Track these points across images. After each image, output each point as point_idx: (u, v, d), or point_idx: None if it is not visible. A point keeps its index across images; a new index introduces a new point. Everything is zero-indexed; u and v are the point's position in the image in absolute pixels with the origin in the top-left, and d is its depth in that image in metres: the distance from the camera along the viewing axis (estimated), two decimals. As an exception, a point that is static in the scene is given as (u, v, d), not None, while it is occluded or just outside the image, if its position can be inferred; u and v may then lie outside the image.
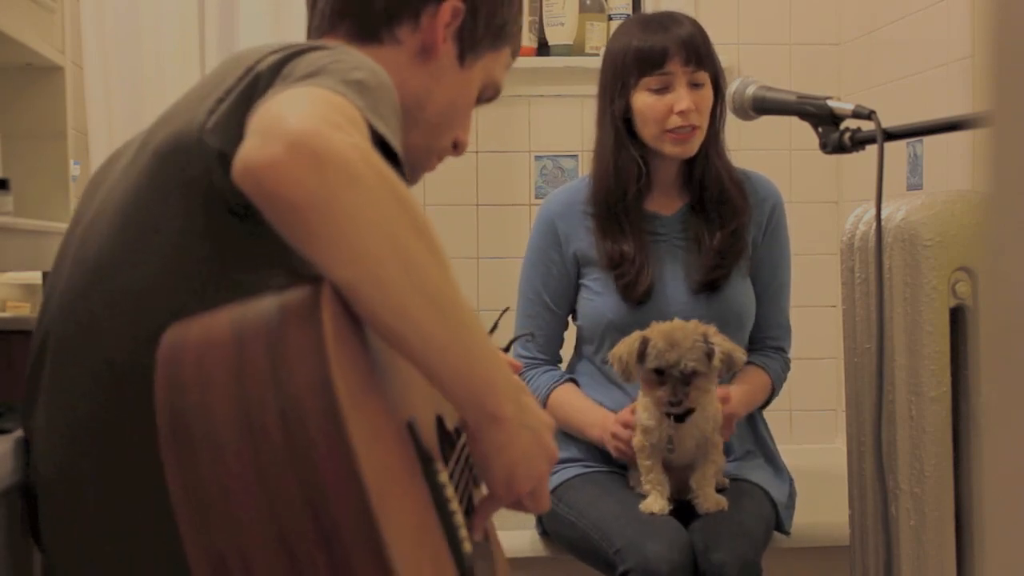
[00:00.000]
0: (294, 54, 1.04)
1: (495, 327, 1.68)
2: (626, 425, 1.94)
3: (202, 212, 1.03)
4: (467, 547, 0.95)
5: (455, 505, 0.95)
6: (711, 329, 1.84)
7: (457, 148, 1.32)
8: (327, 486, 0.75)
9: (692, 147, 2.02)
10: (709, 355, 1.81)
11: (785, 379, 2.15)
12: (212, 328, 0.82)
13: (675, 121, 1.99)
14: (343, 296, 0.84)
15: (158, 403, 0.79)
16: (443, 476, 0.95)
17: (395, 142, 0.97)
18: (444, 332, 0.88)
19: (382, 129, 0.95)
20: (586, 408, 2.06)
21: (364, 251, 0.83)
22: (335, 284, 0.84)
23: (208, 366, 0.79)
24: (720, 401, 1.91)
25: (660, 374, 1.82)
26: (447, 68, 1.25)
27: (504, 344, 1.62)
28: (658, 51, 1.99)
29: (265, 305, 0.82)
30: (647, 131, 2.02)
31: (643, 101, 2.01)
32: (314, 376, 0.77)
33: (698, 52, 2.00)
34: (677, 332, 1.82)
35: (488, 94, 1.33)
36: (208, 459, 0.77)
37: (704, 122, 2.02)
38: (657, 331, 1.83)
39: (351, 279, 0.84)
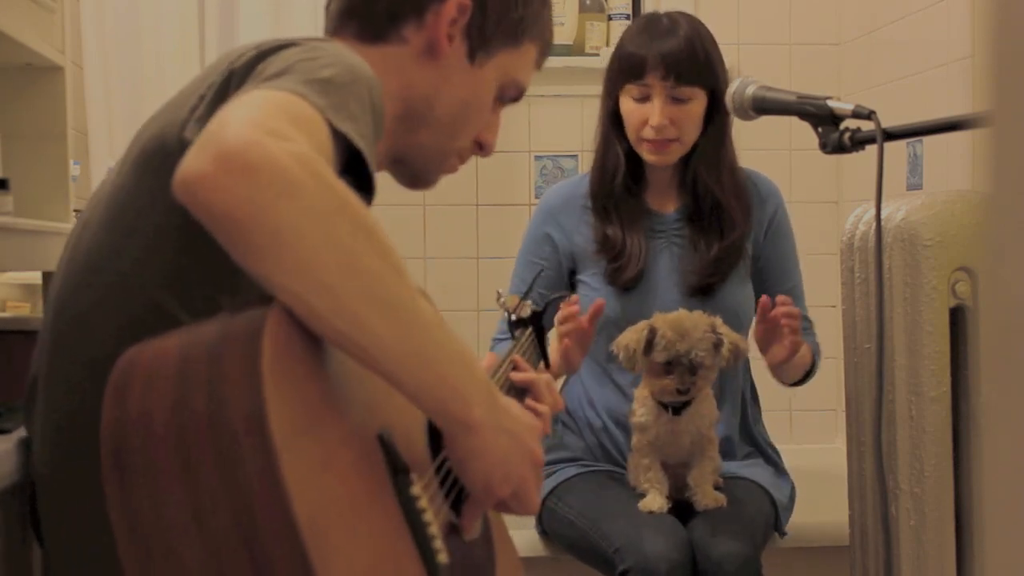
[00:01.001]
0: (267, 51, 1.03)
1: (531, 288, 1.67)
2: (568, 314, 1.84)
3: (180, 207, 1.04)
4: (442, 558, 0.94)
5: (429, 516, 0.94)
6: (717, 320, 1.85)
7: (483, 149, 1.31)
8: (261, 525, 0.74)
9: (669, 157, 2.02)
10: (717, 346, 1.82)
11: (819, 364, 2.10)
12: (163, 352, 0.81)
13: (649, 133, 1.99)
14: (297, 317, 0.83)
15: (102, 431, 0.79)
16: (416, 488, 0.93)
17: (360, 140, 0.95)
18: (399, 338, 0.86)
19: (345, 128, 0.93)
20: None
21: (305, 259, 0.81)
22: (281, 297, 0.82)
23: (152, 394, 0.78)
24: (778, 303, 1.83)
25: (668, 364, 1.82)
26: (456, 66, 1.23)
27: (541, 306, 1.62)
28: (637, 62, 1.98)
29: (214, 329, 0.81)
30: (629, 135, 2.03)
31: (625, 106, 2.02)
32: (248, 412, 0.76)
33: (680, 67, 1.95)
34: (685, 322, 1.82)
35: (510, 94, 1.31)
36: (146, 492, 0.77)
37: (686, 134, 2.00)
38: (664, 321, 1.83)
39: (295, 289, 0.82)
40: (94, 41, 2.73)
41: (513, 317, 1.55)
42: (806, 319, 2.12)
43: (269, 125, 0.84)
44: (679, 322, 1.82)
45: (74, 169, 2.13)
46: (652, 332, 1.82)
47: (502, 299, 1.56)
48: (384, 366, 0.87)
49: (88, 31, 2.72)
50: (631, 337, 1.85)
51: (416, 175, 1.30)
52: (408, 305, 0.87)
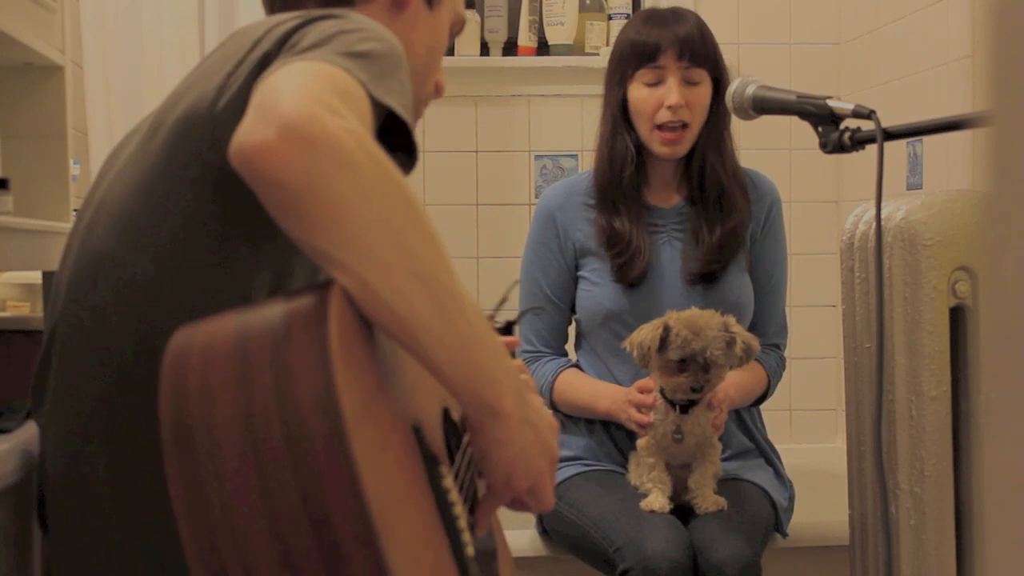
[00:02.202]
0: (303, 24, 1.03)
1: (504, 300, 1.68)
2: (643, 390, 1.93)
3: (211, 195, 1.03)
4: (470, 551, 0.94)
5: (459, 509, 0.94)
6: (730, 319, 1.85)
7: (438, 91, 1.33)
8: (330, 506, 0.75)
9: (681, 148, 2.03)
10: (730, 344, 1.82)
11: (781, 376, 2.15)
12: (217, 335, 0.81)
13: (664, 115, 1.99)
14: (349, 295, 0.84)
15: (162, 413, 0.79)
16: (447, 480, 0.94)
17: (404, 112, 0.97)
18: (439, 319, 0.87)
19: (389, 101, 0.95)
20: (595, 384, 2.07)
21: (357, 234, 0.83)
22: (330, 269, 0.83)
23: (212, 377, 0.79)
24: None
25: (682, 362, 1.83)
26: (418, 15, 1.25)
27: (513, 317, 1.62)
28: (652, 45, 2.00)
29: (271, 312, 0.81)
30: (640, 125, 2.04)
31: (636, 93, 2.03)
32: (318, 392, 0.76)
33: (693, 49, 2.00)
34: (699, 320, 1.83)
35: (456, 30, 1.34)
36: (211, 474, 0.77)
37: (696, 120, 2.02)
38: (677, 319, 1.83)
39: (347, 262, 0.83)
40: (94, 41, 2.73)
41: None
42: (776, 346, 2.14)
43: (324, 99, 0.85)
44: (693, 320, 1.83)
45: (74, 169, 2.13)
46: (666, 330, 1.83)
47: None
48: (425, 346, 0.88)
49: (88, 31, 2.72)
50: (645, 335, 1.85)
51: (413, 145, 1.31)
52: (449, 287, 0.88)
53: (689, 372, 1.82)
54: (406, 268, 0.85)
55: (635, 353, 1.86)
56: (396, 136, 0.99)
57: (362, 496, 0.74)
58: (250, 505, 0.76)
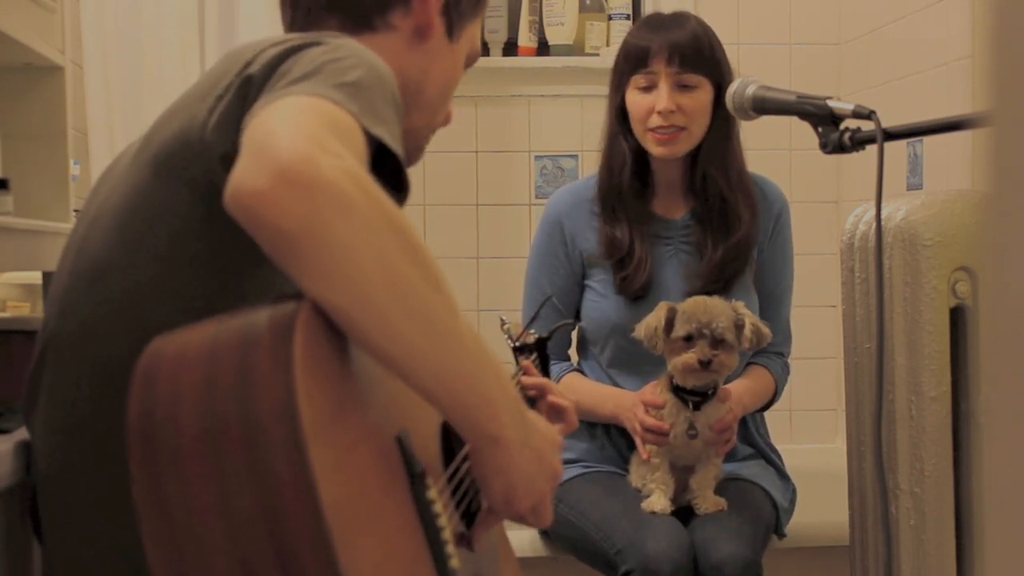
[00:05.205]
0: (291, 50, 1.03)
1: (536, 317, 1.68)
2: (649, 405, 1.92)
3: (201, 210, 1.03)
4: (454, 563, 0.94)
5: (443, 521, 0.94)
6: (739, 304, 1.85)
7: (446, 121, 1.33)
8: (286, 512, 0.75)
9: (677, 148, 2.01)
10: (739, 327, 1.82)
11: (785, 383, 2.14)
12: (190, 343, 0.81)
13: (655, 120, 1.98)
14: (327, 314, 0.84)
15: (129, 414, 0.79)
16: (432, 492, 0.94)
17: (394, 143, 0.96)
18: (438, 356, 0.87)
19: (380, 132, 0.94)
20: (598, 388, 2.07)
21: (354, 277, 0.83)
22: (326, 308, 0.83)
23: (181, 381, 0.79)
24: (721, 398, 1.91)
25: (689, 338, 1.83)
26: (439, 46, 1.26)
27: (546, 333, 1.63)
28: (643, 50, 2.00)
29: (243, 321, 0.81)
30: (635, 128, 2.03)
31: (631, 98, 2.03)
32: (279, 401, 0.76)
33: (684, 54, 1.97)
34: (707, 300, 1.85)
35: (471, 62, 1.34)
36: (173, 476, 0.77)
37: (694, 125, 2.00)
38: (684, 303, 1.85)
39: (341, 304, 0.83)
40: (94, 41, 2.73)
41: (517, 344, 1.55)
42: (780, 354, 2.13)
43: (318, 139, 0.84)
44: (700, 300, 1.85)
45: (74, 169, 2.13)
46: (672, 311, 1.84)
47: (506, 326, 1.57)
48: (420, 380, 0.88)
49: (88, 31, 2.72)
50: (651, 318, 1.86)
51: (408, 158, 1.31)
52: (447, 322, 0.88)
53: (696, 347, 1.82)
54: (400, 307, 0.85)
55: (643, 334, 1.86)
56: (385, 165, 0.98)
57: (318, 504, 0.74)
58: (209, 509, 0.76)
